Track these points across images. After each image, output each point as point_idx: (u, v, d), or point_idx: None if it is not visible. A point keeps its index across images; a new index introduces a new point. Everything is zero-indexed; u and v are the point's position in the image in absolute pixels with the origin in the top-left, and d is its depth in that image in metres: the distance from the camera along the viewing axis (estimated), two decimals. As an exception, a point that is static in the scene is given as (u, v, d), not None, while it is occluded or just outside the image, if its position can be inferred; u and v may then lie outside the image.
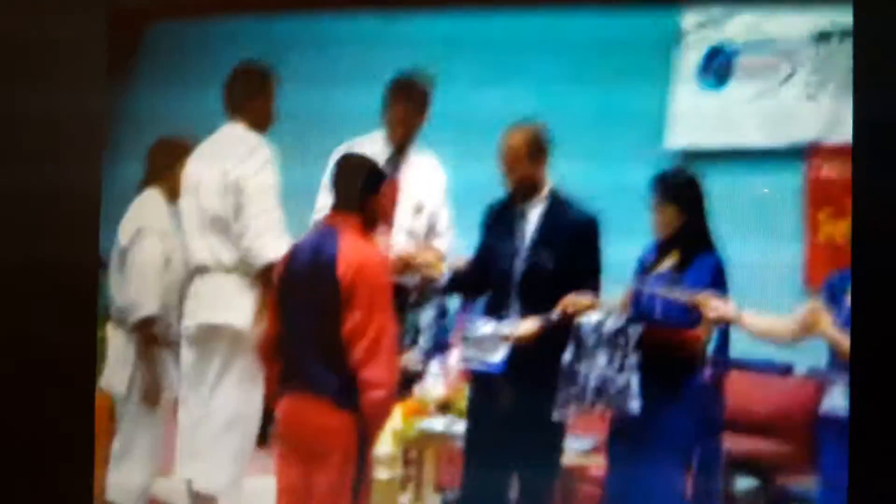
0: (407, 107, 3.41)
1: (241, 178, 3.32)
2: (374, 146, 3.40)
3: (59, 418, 3.21)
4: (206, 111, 3.42)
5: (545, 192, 3.25)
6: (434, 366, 3.49)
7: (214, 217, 3.35)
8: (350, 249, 3.08)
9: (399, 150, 3.45)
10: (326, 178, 3.35)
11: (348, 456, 3.03)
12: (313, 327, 3.09)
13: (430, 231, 3.49)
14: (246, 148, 3.35)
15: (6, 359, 3.20)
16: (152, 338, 3.44)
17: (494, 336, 3.20)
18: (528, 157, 3.22)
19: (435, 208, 3.48)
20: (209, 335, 3.36)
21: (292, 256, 3.18)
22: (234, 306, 3.34)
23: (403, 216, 3.46)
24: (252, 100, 3.39)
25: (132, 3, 3.36)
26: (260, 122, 3.39)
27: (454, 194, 3.49)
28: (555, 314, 3.14)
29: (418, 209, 3.45)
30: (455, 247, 3.49)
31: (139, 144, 3.51)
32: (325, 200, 3.34)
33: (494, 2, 3.28)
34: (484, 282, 3.32)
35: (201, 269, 3.38)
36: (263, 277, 3.31)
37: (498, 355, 3.19)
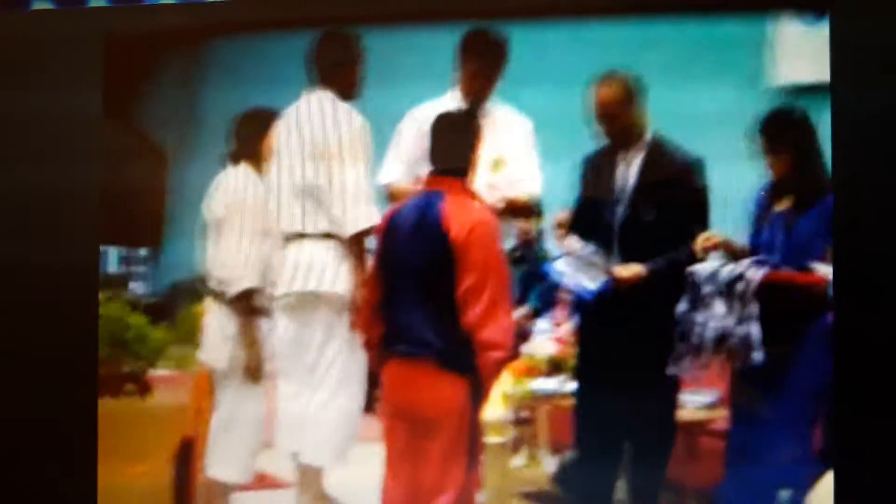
0: (481, 60, 3.37)
1: (331, 145, 3.35)
2: (447, 107, 3.37)
3: (60, 419, 3.28)
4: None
5: (645, 138, 3.23)
6: (543, 324, 3.50)
7: (306, 185, 3.38)
8: (460, 212, 3.12)
9: (475, 104, 3.42)
10: (397, 142, 3.39)
11: (462, 420, 3.07)
12: (421, 291, 3.12)
13: (514, 183, 3.45)
14: (335, 116, 3.37)
15: (4, 359, 3.27)
16: (253, 310, 3.48)
17: (597, 264, 3.20)
18: (622, 105, 3.21)
19: (518, 159, 3.44)
20: (309, 303, 3.39)
21: (394, 222, 3.22)
22: (332, 273, 3.37)
23: (481, 172, 3.41)
24: (340, 67, 3.40)
25: (127, 33, 3.37)
26: (348, 89, 3.40)
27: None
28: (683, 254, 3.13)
29: (497, 164, 3.42)
30: (547, 200, 3.47)
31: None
32: (394, 165, 3.39)
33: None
34: (588, 231, 3.31)
35: (295, 237, 3.41)
36: (357, 245, 3.34)
37: (594, 283, 3.19)
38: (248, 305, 3.47)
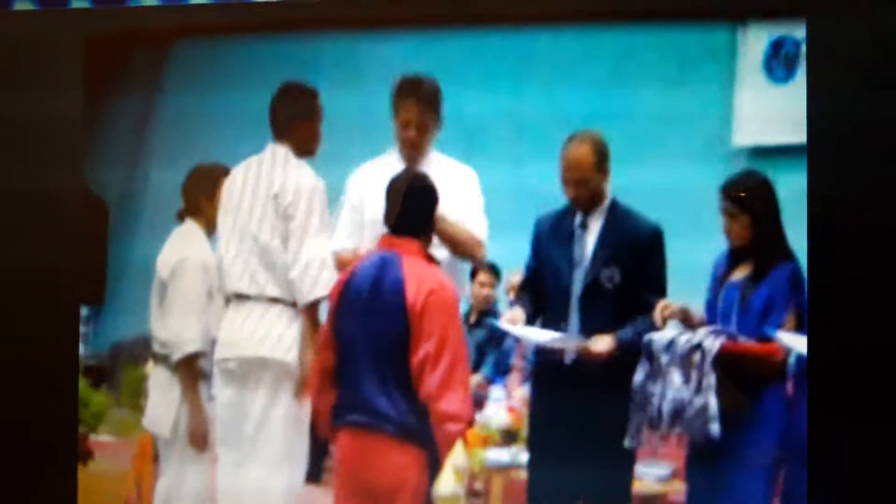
0: (418, 106, 3.36)
1: (291, 207, 3.34)
2: (388, 165, 3.37)
3: (42, 423, 3.28)
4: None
5: (606, 203, 3.26)
6: (496, 392, 3.50)
7: (259, 245, 3.37)
8: (417, 276, 3.12)
9: (413, 157, 3.40)
10: (350, 203, 3.39)
11: (417, 493, 3.06)
12: (376, 358, 3.11)
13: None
14: (297, 177, 3.37)
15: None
16: (198, 375, 3.46)
17: (565, 345, 3.20)
18: (594, 168, 3.24)
19: (462, 210, 3.40)
20: (252, 369, 3.37)
21: (348, 285, 3.20)
22: (278, 339, 3.35)
23: None
24: (298, 123, 3.40)
25: (108, 31, 3.39)
26: (306, 145, 3.41)
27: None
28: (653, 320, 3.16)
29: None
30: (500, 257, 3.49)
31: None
32: (345, 231, 3.39)
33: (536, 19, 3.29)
34: (541, 297, 3.32)
35: (240, 298, 3.39)
36: (311, 312, 3.33)
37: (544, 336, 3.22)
38: (192, 370, 3.45)
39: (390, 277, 3.13)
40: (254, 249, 3.37)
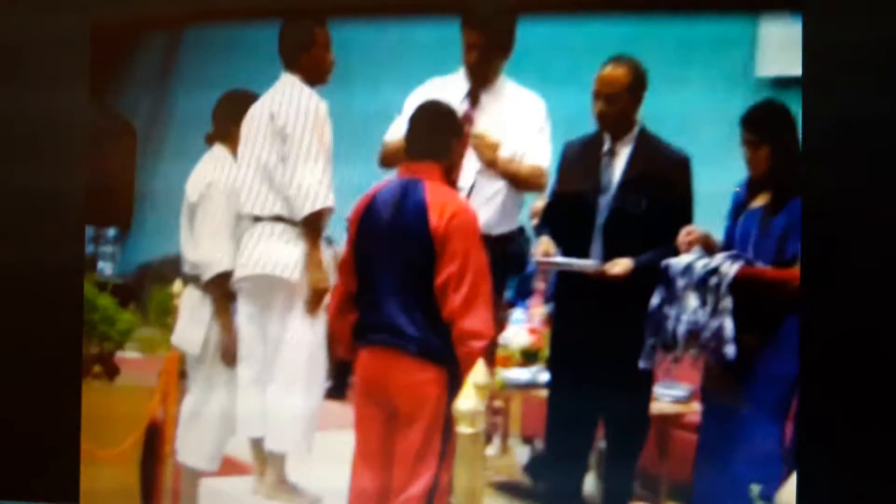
0: (482, 29, 3.40)
1: (286, 126, 3.45)
2: (454, 83, 3.45)
3: (44, 418, 3.40)
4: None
5: (635, 130, 3.33)
6: (518, 313, 3.61)
7: (263, 165, 3.49)
8: (439, 200, 3.24)
9: (479, 80, 3.46)
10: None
11: (438, 411, 3.22)
12: (399, 280, 3.24)
13: (518, 157, 3.47)
14: (295, 98, 3.48)
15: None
16: (228, 294, 3.58)
17: (583, 268, 3.30)
18: (627, 88, 3.29)
19: (523, 136, 3.45)
20: (263, 288, 3.50)
21: (369, 210, 3.32)
22: (283, 257, 3.47)
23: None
24: (303, 52, 3.50)
25: (113, 17, 3.47)
26: (315, 74, 3.51)
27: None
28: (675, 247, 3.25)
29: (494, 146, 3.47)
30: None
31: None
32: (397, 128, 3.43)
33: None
34: (565, 223, 3.41)
35: (253, 219, 3.53)
36: (312, 227, 3.45)
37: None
38: (222, 290, 3.58)
39: (413, 202, 3.25)
40: (259, 171, 3.50)
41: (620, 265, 3.28)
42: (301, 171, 3.44)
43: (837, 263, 2.96)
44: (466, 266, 3.19)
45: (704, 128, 3.25)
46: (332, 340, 3.45)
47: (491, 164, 3.40)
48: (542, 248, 3.40)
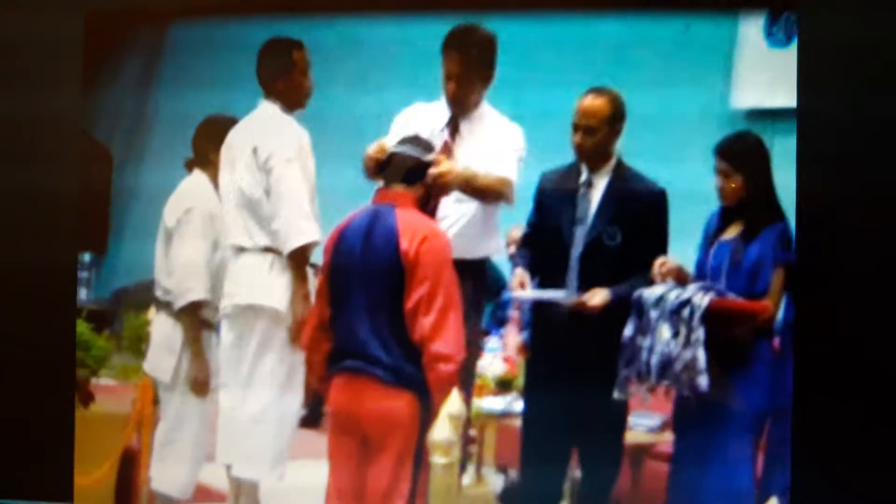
0: (461, 59, 3.43)
1: (270, 160, 3.49)
2: (438, 110, 3.49)
3: (38, 420, 3.46)
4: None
5: (612, 162, 3.39)
6: (493, 341, 3.65)
7: (247, 198, 3.53)
8: (410, 224, 3.30)
9: (459, 109, 3.49)
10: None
11: (410, 437, 3.25)
12: (370, 305, 3.29)
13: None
14: (277, 130, 3.52)
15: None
16: (201, 322, 3.63)
17: (561, 300, 3.35)
18: (606, 120, 3.34)
19: (496, 163, 3.48)
20: (246, 316, 3.54)
21: (342, 237, 3.38)
22: (270, 287, 3.52)
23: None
24: (282, 78, 3.54)
25: (108, 8, 3.52)
26: (293, 99, 3.55)
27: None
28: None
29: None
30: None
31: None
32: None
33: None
34: (542, 253, 3.46)
35: (238, 250, 3.56)
36: (295, 260, 3.50)
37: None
38: (195, 318, 3.62)
39: (384, 227, 3.30)
40: (243, 202, 3.55)
41: (599, 296, 3.32)
42: (287, 205, 3.49)
43: (833, 264, 3.03)
44: (436, 290, 3.25)
45: (679, 160, 3.31)
46: (307, 370, 3.49)
47: (459, 189, 3.44)
48: (517, 280, 3.45)
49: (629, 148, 3.39)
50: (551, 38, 3.40)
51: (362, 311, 3.31)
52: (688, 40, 3.36)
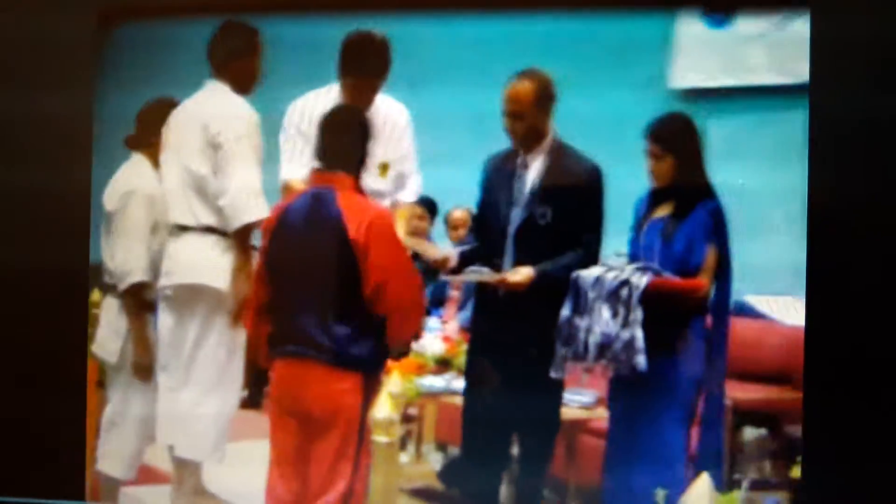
0: (362, 64, 3.56)
1: (220, 136, 3.58)
2: (330, 96, 3.60)
3: (50, 419, 3.51)
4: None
5: (547, 142, 3.50)
6: (432, 321, 3.78)
7: (194, 175, 3.62)
8: (355, 209, 3.39)
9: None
10: (297, 129, 3.62)
11: (353, 418, 3.37)
12: (314, 290, 3.39)
13: (398, 186, 3.71)
14: (228, 108, 3.61)
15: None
16: (144, 304, 3.72)
17: (482, 277, 3.50)
18: (533, 104, 3.46)
19: (401, 159, 3.66)
20: (187, 296, 3.64)
21: (281, 220, 3.46)
22: (212, 267, 3.62)
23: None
24: (236, 60, 3.63)
25: (119, 3, 3.58)
26: (244, 83, 3.64)
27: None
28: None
29: (383, 168, 3.66)
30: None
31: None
32: (292, 159, 3.62)
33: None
34: (486, 234, 3.60)
35: (180, 229, 3.66)
36: (241, 238, 3.60)
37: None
38: (138, 300, 3.72)
39: (327, 213, 3.39)
40: (188, 181, 3.64)
41: (521, 274, 3.46)
42: (235, 181, 3.58)
43: (843, 266, 3.06)
44: (392, 273, 3.36)
45: (618, 136, 3.41)
46: (252, 349, 3.60)
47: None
48: (441, 260, 3.59)
49: (567, 130, 3.50)
50: (475, 35, 3.49)
51: (305, 295, 3.40)
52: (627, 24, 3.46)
